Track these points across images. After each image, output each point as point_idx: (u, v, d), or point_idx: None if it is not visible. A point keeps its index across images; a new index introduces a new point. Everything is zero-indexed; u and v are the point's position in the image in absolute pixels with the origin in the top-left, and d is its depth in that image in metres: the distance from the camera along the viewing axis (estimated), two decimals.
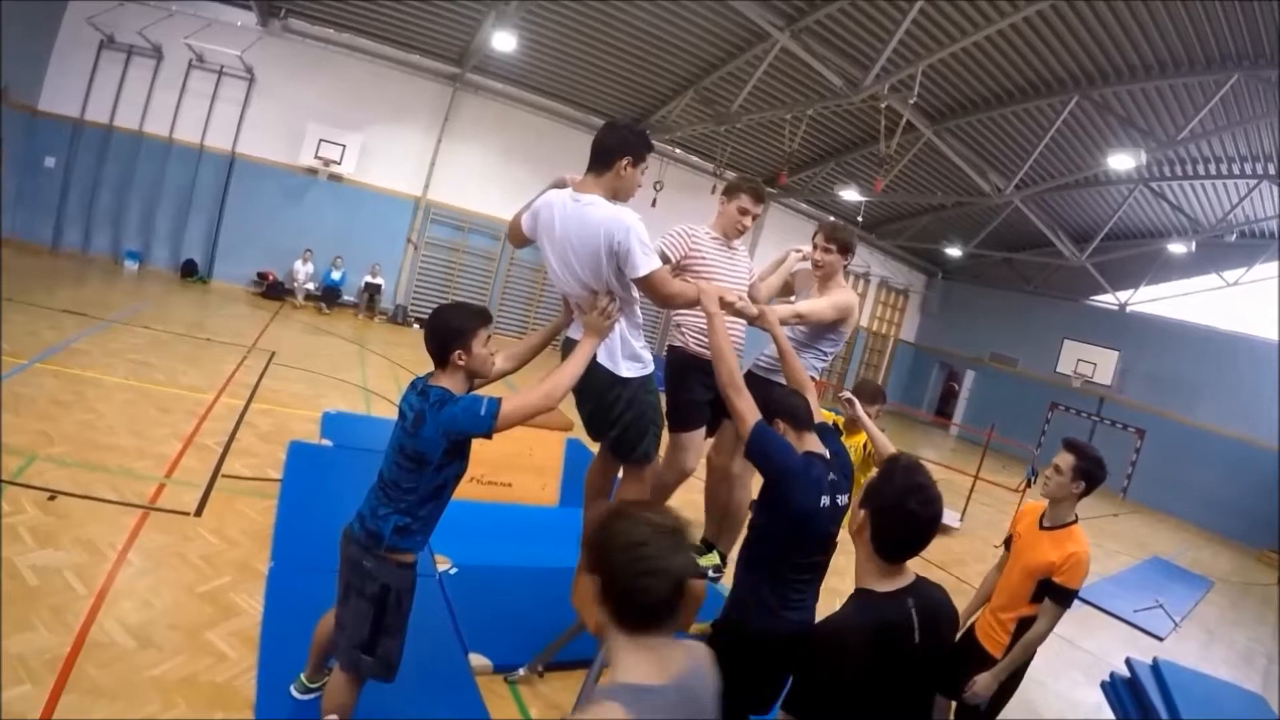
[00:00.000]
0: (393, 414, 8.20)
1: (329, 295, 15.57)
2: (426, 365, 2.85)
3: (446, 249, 17.31)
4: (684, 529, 1.64)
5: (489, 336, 2.80)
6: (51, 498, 4.65)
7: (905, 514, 2.35)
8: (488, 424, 2.59)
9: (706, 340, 3.45)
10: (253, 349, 10.28)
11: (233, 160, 14.76)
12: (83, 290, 11.21)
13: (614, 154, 2.98)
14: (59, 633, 3.43)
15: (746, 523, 4.08)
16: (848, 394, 4.39)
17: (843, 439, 3.62)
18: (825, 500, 2.76)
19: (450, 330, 2.72)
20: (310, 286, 15.50)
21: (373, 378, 10.56)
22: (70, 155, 13.70)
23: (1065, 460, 3.40)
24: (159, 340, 9.39)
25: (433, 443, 2.62)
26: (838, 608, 2.44)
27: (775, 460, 2.77)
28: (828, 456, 2.88)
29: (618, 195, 3.02)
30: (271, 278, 15.30)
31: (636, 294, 3.10)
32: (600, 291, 2.98)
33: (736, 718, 2.91)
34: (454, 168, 16.76)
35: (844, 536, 2.80)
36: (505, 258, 17.79)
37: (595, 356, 2.98)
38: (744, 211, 3.82)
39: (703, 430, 3.83)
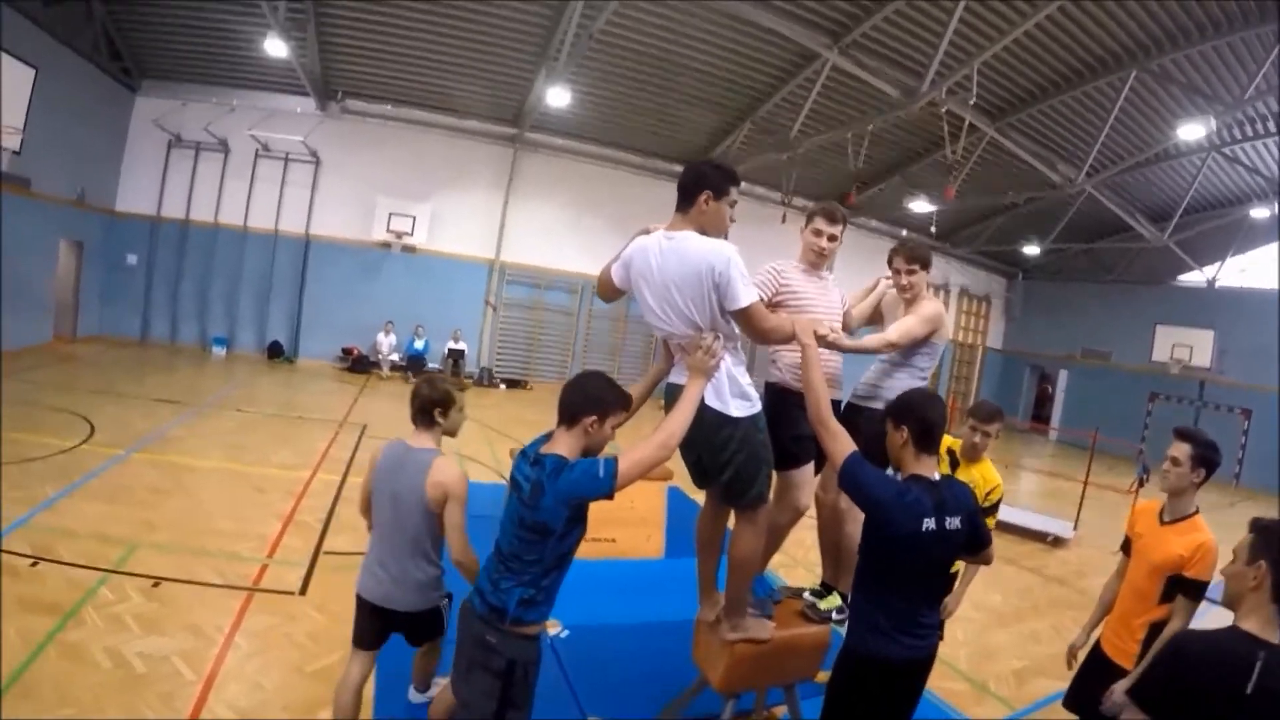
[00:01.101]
0: (488, 477, 8.33)
1: (414, 364, 15.83)
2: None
3: (525, 308, 17.51)
4: None
5: (620, 422, 2.78)
6: (156, 584, 4.74)
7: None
8: (608, 485, 2.53)
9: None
10: (344, 423, 10.46)
11: (308, 241, 15.27)
12: (173, 378, 11.64)
13: (694, 190, 2.97)
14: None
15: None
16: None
17: (960, 469, 3.51)
18: (930, 523, 2.65)
19: (593, 398, 2.69)
20: (395, 357, 15.81)
21: (465, 443, 10.60)
22: (150, 251, 14.40)
23: (1181, 450, 3.24)
24: (251, 421, 9.64)
25: (554, 512, 2.55)
26: None
27: (867, 491, 2.69)
28: (935, 480, 2.77)
29: (706, 231, 2.97)
30: (356, 352, 15.69)
31: (737, 330, 3.04)
32: (705, 329, 2.91)
33: None
34: (524, 226, 17.01)
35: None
36: (584, 311, 17.90)
37: (703, 399, 2.89)
38: (819, 234, 3.75)
39: (811, 465, 3.71)
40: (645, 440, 2.67)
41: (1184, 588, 3.14)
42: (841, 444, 2.78)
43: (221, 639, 4.24)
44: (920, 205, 17.52)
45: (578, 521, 2.64)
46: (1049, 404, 24.16)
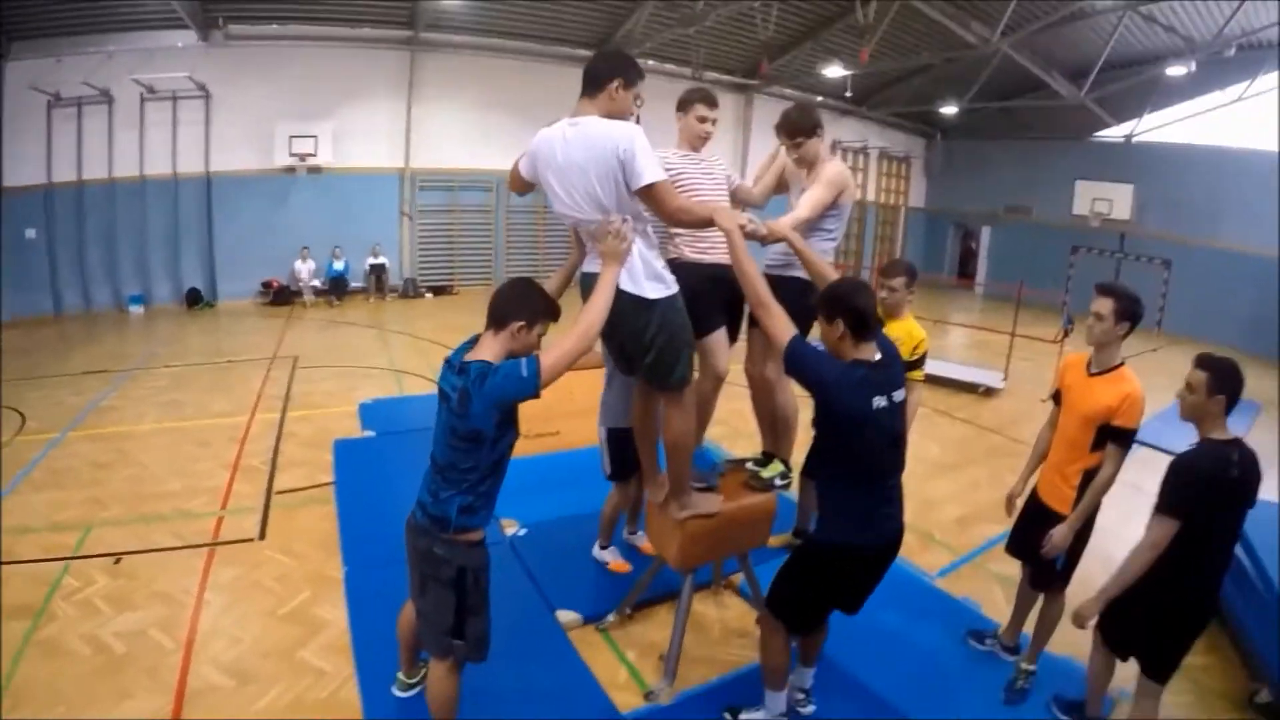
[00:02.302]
0: (426, 389, 8.27)
1: (336, 287, 15.47)
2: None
3: (442, 213, 17.10)
4: None
5: (545, 330, 2.79)
6: (117, 560, 4.66)
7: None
8: (533, 384, 2.54)
9: (700, 245, 3.60)
10: (275, 359, 10.25)
11: (209, 180, 14.53)
12: (95, 348, 11.13)
13: (604, 78, 3.01)
14: (161, 693, 3.45)
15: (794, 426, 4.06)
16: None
17: (885, 327, 3.54)
18: (880, 400, 2.71)
19: (523, 303, 2.71)
20: (316, 283, 15.41)
21: (399, 358, 10.55)
22: (49, 221, 13.51)
23: (1104, 305, 3.37)
24: (182, 376, 9.37)
25: (483, 418, 2.56)
26: None
27: (813, 373, 2.72)
28: (876, 359, 2.79)
29: (612, 118, 2.97)
30: (276, 284, 15.21)
31: (647, 212, 3.05)
32: (613, 212, 2.91)
33: (818, 615, 3.10)
34: (431, 131, 16.44)
35: None
36: (502, 208, 17.53)
37: (619, 284, 2.90)
38: (703, 120, 3.77)
39: (723, 330, 3.78)
40: (565, 333, 2.69)
41: (1114, 435, 3.34)
42: (783, 326, 2.80)
43: (192, 601, 4.23)
44: (834, 70, 17.33)
45: (509, 425, 2.66)
46: (973, 260, 24.71)
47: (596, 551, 4.65)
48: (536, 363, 2.55)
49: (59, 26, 12.84)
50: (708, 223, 3.04)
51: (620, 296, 2.90)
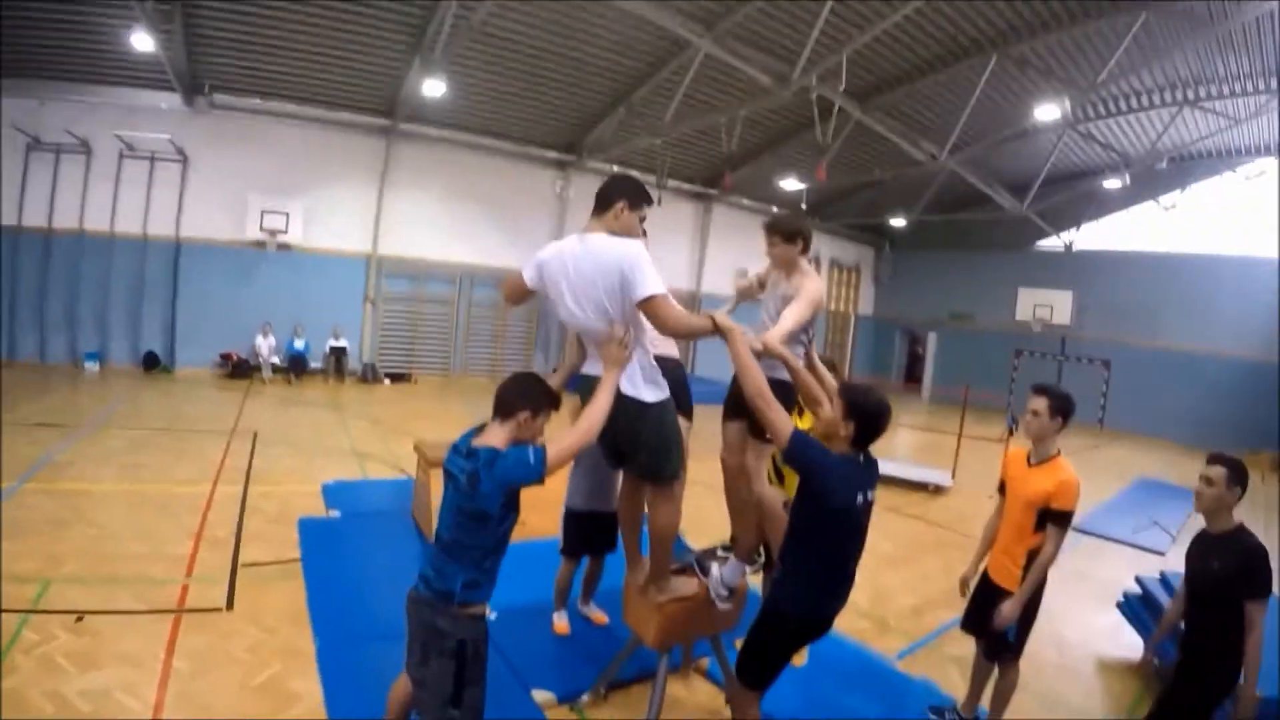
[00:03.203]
0: (388, 474, 8.32)
1: (296, 365, 15.46)
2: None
3: (405, 300, 17.30)
4: None
5: (547, 420, 3.00)
6: (79, 619, 4.59)
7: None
8: (539, 471, 2.76)
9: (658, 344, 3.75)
10: (235, 432, 10.19)
11: (179, 245, 14.60)
12: (49, 399, 11.02)
13: (611, 199, 3.32)
14: None
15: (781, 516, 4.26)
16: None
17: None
18: (861, 497, 3.04)
19: (530, 395, 2.92)
20: (275, 360, 15.36)
21: (359, 440, 10.54)
22: (13, 264, 13.42)
23: (1039, 403, 3.85)
24: (140, 439, 9.28)
25: (491, 498, 2.75)
26: None
27: (816, 462, 2.98)
28: (860, 460, 3.11)
29: (617, 235, 3.26)
30: (235, 357, 15.15)
31: (646, 323, 3.28)
32: (617, 323, 3.16)
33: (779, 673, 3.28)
34: (401, 218, 16.75)
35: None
36: (464, 301, 17.88)
37: (619, 388, 3.15)
38: (643, 220, 3.85)
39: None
40: (569, 429, 2.95)
41: (1053, 517, 3.72)
42: (783, 421, 3.03)
43: (159, 666, 4.18)
44: (790, 183, 18.15)
45: (512, 507, 2.86)
46: (920, 365, 25.63)
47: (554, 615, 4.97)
48: (543, 452, 2.77)
49: (47, 70, 13.05)
50: (705, 332, 3.25)
51: (620, 399, 3.15)
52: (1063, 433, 3.88)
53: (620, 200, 3.31)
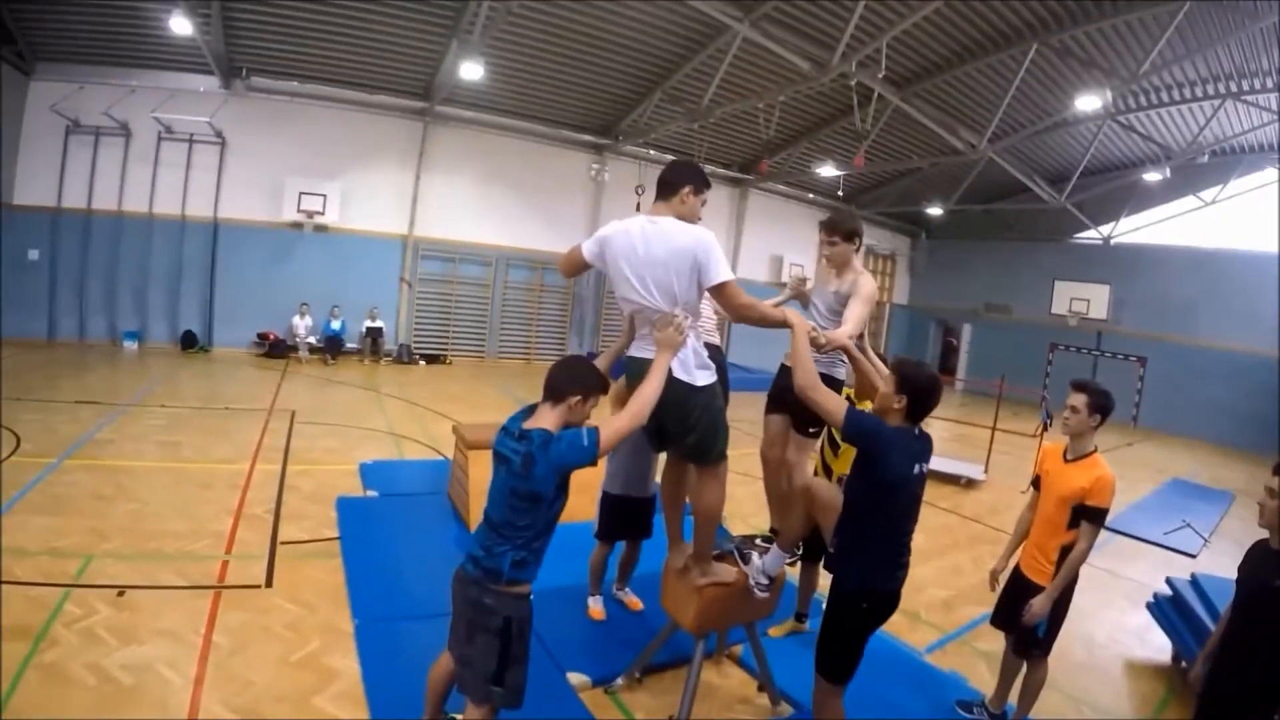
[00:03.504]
0: (425, 454, 8.40)
1: (332, 345, 15.59)
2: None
3: (440, 282, 17.38)
4: None
5: (596, 403, 3.04)
6: (120, 593, 4.68)
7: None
8: (593, 453, 2.80)
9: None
10: (272, 411, 10.33)
11: (216, 226, 14.77)
12: (89, 378, 11.22)
13: (677, 185, 3.41)
14: None
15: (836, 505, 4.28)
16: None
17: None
18: (917, 468, 3.11)
19: (579, 379, 2.96)
20: (312, 340, 15.52)
21: (396, 421, 10.63)
22: (53, 245, 13.70)
23: (1078, 399, 3.81)
24: (179, 417, 9.43)
25: (545, 480, 2.79)
26: None
27: (873, 434, 3.07)
28: (915, 431, 3.18)
29: (683, 219, 3.35)
30: (273, 337, 15.34)
31: (705, 310, 3.46)
32: (680, 304, 3.24)
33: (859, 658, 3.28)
34: (437, 201, 16.82)
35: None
36: (499, 283, 17.93)
37: (670, 370, 3.18)
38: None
39: None
40: (621, 411, 2.98)
41: (1087, 514, 3.70)
42: (836, 402, 3.15)
43: (200, 640, 4.25)
44: (828, 170, 18.00)
45: (564, 489, 2.90)
46: (955, 356, 25.36)
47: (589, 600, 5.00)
48: (596, 434, 2.81)
49: (86, 54, 13.28)
50: (775, 323, 3.38)
51: (672, 382, 3.19)
52: (1098, 431, 3.84)
53: (686, 185, 3.39)
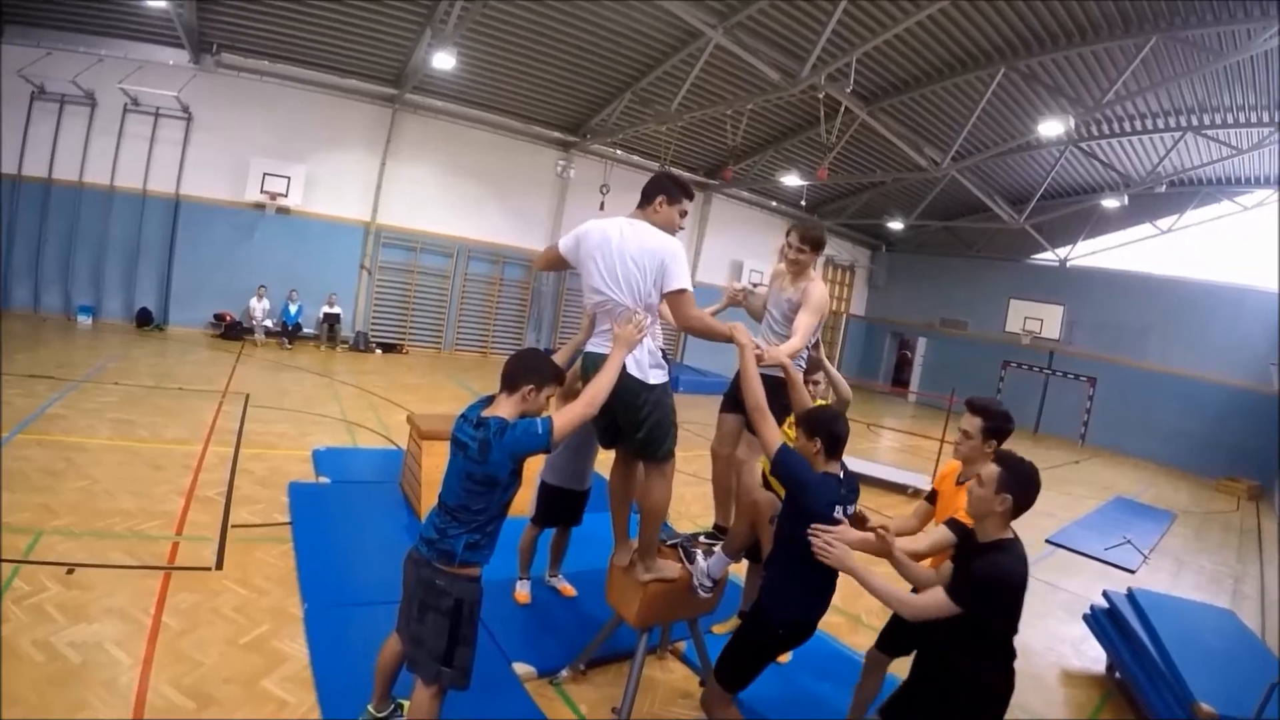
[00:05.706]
0: (378, 443, 8.40)
1: (289, 330, 15.47)
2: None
3: (401, 271, 17.31)
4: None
5: (553, 393, 3.20)
6: (70, 571, 4.67)
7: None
8: (546, 440, 2.94)
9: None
10: (226, 394, 10.25)
11: (178, 203, 14.56)
12: (41, 352, 11.02)
13: (652, 195, 3.65)
14: (117, 707, 3.49)
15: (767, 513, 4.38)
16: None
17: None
18: (838, 511, 3.21)
19: (536, 370, 3.08)
20: (269, 323, 15.38)
21: (350, 409, 10.61)
22: (11, 212, 13.38)
23: (972, 424, 3.55)
24: (132, 396, 9.33)
25: (501, 465, 2.92)
26: None
27: (796, 474, 3.21)
28: (841, 476, 3.30)
29: (661, 228, 3.56)
30: (229, 318, 15.17)
31: (662, 313, 3.60)
32: (642, 303, 3.43)
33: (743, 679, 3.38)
34: (401, 189, 16.75)
35: None
36: (459, 275, 17.91)
37: (624, 368, 3.33)
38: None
39: None
40: (575, 401, 3.11)
41: (951, 524, 3.33)
42: (774, 433, 3.30)
43: (149, 620, 4.27)
44: (792, 179, 18.24)
45: (518, 474, 3.03)
46: (908, 368, 25.81)
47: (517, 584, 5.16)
48: (550, 423, 2.95)
49: (56, 19, 12.99)
50: (720, 337, 3.59)
51: (625, 379, 3.35)
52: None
53: (660, 195, 3.62)
